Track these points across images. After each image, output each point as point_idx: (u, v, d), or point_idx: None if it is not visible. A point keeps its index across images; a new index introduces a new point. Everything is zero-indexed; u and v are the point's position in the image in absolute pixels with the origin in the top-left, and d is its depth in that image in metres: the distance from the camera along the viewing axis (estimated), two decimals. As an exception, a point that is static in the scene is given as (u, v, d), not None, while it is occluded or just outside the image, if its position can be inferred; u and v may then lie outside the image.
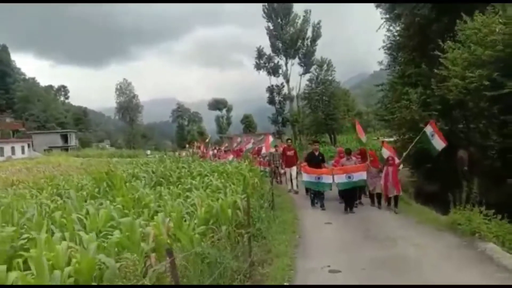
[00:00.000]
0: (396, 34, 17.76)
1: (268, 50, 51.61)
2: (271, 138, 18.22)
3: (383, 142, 13.36)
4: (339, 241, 7.89)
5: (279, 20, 49.82)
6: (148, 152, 48.06)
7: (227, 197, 7.85)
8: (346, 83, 57.34)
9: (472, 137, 12.02)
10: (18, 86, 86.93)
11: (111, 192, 8.54)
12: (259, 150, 20.18)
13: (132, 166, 18.26)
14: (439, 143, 9.98)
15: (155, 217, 5.62)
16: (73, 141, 75.18)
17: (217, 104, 78.27)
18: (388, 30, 18.70)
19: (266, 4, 49.98)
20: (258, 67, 51.86)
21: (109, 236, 4.75)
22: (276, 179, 16.13)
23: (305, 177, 11.30)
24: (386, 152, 11.28)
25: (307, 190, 12.35)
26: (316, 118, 45.33)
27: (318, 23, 50.70)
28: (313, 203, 11.48)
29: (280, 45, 50.11)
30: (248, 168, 13.02)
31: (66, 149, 68.04)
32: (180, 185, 10.04)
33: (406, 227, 8.70)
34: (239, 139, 24.52)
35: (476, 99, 9.71)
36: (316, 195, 11.43)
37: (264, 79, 53.73)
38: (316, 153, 12.00)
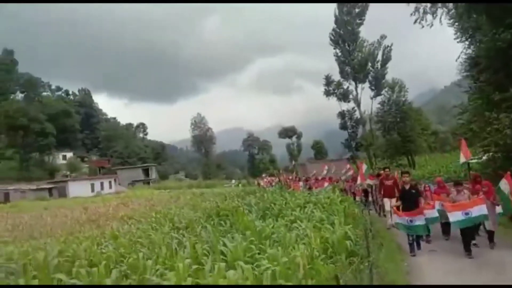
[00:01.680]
0: (475, 56, 17.68)
1: (335, 77, 52.59)
2: (364, 167, 17.26)
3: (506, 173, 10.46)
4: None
5: (347, 46, 50.63)
6: (233, 181, 50.14)
7: (336, 228, 8.65)
8: (416, 100, 55.87)
9: None
10: (101, 126, 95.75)
11: (234, 226, 9.70)
12: (354, 178, 19.30)
13: (223, 198, 19.60)
14: None
15: (296, 248, 6.57)
16: (153, 174, 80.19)
17: (287, 132, 79.67)
18: (465, 53, 18.75)
19: (333, 31, 51.23)
20: (327, 93, 52.74)
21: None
22: (377, 211, 15.75)
23: (396, 218, 10.03)
24: (505, 186, 9.63)
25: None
26: (392, 141, 44.60)
27: (389, 46, 50.74)
28: (411, 250, 9.45)
29: (349, 70, 50.72)
30: (340, 198, 13.73)
31: (148, 182, 72.87)
32: (283, 217, 10.96)
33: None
34: (326, 167, 24.60)
35: None
36: (414, 240, 9.58)
37: (328, 103, 54.40)
38: (407, 187, 9.95)
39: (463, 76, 19.67)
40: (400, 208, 9.93)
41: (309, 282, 5.16)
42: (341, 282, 4.54)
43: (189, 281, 4.70)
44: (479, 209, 8.65)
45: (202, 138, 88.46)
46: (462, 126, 20.25)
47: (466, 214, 8.67)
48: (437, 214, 10.28)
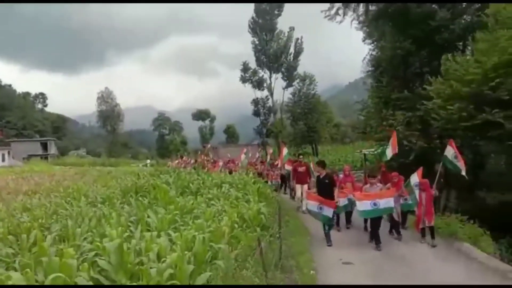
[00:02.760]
0: (378, 59, 19.74)
1: (252, 64, 53.90)
2: (285, 151, 17.04)
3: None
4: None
5: (264, 35, 52.06)
6: (148, 161, 48.56)
7: (251, 205, 9.48)
8: (322, 94, 59.85)
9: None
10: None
11: (155, 201, 9.99)
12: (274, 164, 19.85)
13: (136, 176, 19.41)
14: (461, 166, 9.66)
15: (216, 221, 7.20)
16: (52, 149, 74.63)
17: (200, 114, 79.39)
18: (370, 54, 20.89)
19: (251, 19, 52.24)
20: (243, 80, 53.88)
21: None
22: (291, 194, 16.41)
23: (308, 204, 10.04)
24: (414, 178, 9.63)
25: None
26: (299, 130, 47.54)
27: (300, 39, 53.26)
28: (328, 241, 9.38)
29: (265, 59, 52.32)
30: (252, 180, 14.66)
31: (46, 157, 67.64)
32: (201, 195, 11.51)
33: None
34: (245, 150, 24.65)
35: (455, 126, 11.61)
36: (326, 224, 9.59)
37: (241, 89, 55.72)
38: (322, 176, 9.92)
39: (366, 75, 21.94)
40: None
41: (234, 246, 5.86)
42: (262, 246, 5.26)
43: (126, 247, 5.00)
44: (387, 202, 8.88)
45: (109, 114, 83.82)
46: (362, 121, 22.59)
47: (374, 205, 8.87)
48: (347, 202, 10.58)
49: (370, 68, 20.64)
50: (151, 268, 4.46)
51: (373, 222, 9.21)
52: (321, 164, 10.42)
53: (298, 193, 13.86)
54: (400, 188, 9.87)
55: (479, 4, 14.09)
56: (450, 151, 9.90)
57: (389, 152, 11.26)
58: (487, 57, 10.89)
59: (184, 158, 32.57)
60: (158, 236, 6.19)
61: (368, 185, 9.78)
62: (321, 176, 9.94)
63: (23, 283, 4.04)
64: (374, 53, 20.60)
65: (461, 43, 14.34)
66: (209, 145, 41.79)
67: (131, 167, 43.66)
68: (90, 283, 4.33)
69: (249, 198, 10.69)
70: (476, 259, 7.91)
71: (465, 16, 14.68)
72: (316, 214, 9.54)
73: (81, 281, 4.27)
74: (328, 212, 9.24)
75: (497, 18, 11.73)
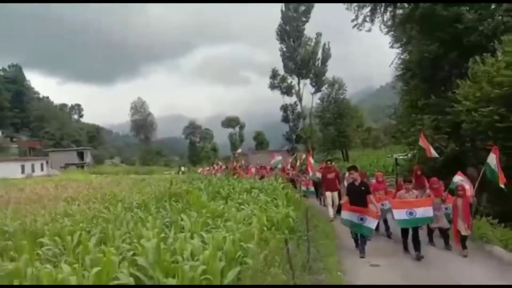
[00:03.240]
0: (406, 63, 19.66)
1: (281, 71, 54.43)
2: (311, 159, 17.06)
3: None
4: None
5: (292, 42, 52.53)
6: (183, 168, 49.45)
7: (280, 209, 9.78)
8: (353, 98, 59.37)
9: (479, 157, 12.52)
10: (33, 105, 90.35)
11: (188, 206, 10.47)
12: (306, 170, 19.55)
13: (168, 183, 20.09)
14: (501, 178, 9.30)
15: (246, 224, 7.55)
16: (88, 158, 77.28)
17: (230, 122, 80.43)
18: (399, 58, 20.82)
19: (279, 26, 52.87)
20: (272, 86, 54.51)
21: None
22: (321, 201, 16.50)
23: (344, 214, 9.19)
24: (458, 180, 9.27)
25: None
26: (329, 135, 47.35)
27: (327, 44, 53.38)
28: (357, 244, 9.03)
29: (293, 66, 52.73)
30: (281, 186, 14.96)
31: (82, 166, 70.16)
32: (231, 199, 11.91)
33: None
34: (278, 155, 24.70)
35: (486, 129, 11.50)
36: (358, 237, 8.98)
37: (271, 96, 56.22)
38: (356, 183, 9.02)
39: (396, 79, 21.82)
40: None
41: (263, 248, 6.17)
42: (289, 247, 5.55)
43: (162, 247, 5.43)
44: (425, 211, 8.35)
45: (142, 123, 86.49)
46: (393, 125, 22.44)
47: (410, 214, 8.29)
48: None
49: (399, 72, 20.55)
50: (185, 265, 4.83)
51: (404, 231, 8.72)
52: (355, 169, 9.63)
53: (329, 200, 13.30)
54: (440, 194, 9.20)
55: (508, 4, 13.87)
56: (493, 160, 9.28)
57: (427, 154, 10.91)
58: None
59: (214, 165, 33.19)
60: (191, 237, 6.58)
61: (403, 191, 9.13)
62: (356, 183, 8.99)
63: (73, 276, 4.48)
64: (402, 56, 20.53)
65: (491, 45, 14.08)
66: (239, 150, 42.24)
67: (164, 175, 44.85)
68: (131, 279, 4.74)
69: (278, 202, 10.99)
70: (508, 261, 7.91)
71: (494, 18, 14.45)
72: (355, 226, 8.79)
73: (122, 276, 4.70)
74: (372, 223, 8.59)
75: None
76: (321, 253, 8.64)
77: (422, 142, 11.79)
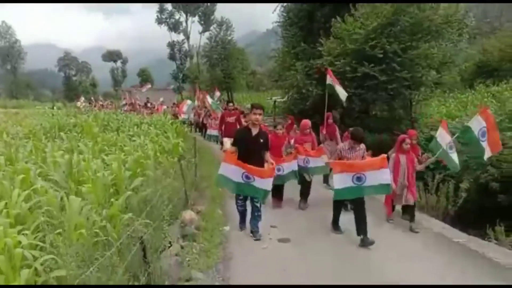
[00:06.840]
0: (287, 11, 21.36)
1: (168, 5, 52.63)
2: (210, 99, 18.24)
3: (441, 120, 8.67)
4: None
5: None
6: (82, 99, 45.11)
7: (170, 140, 10.98)
8: (240, 41, 60.74)
9: (340, 101, 13.00)
10: None
11: (82, 136, 10.96)
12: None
13: (50, 117, 19.49)
14: (342, 91, 10.04)
15: (145, 149, 8.62)
16: None
17: (111, 55, 75.86)
18: (282, 5, 22.45)
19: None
20: (159, 21, 52.65)
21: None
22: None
23: (223, 168, 6.16)
24: (443, 135, 6.91)
25: None
26: (215, 76, 48.40)
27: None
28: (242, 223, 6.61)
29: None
30: (170, 121, 16.03)
31: None
32: (122, 132, 12.64)
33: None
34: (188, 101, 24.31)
35: (342, 78, 13.87)
36: (240, 206, 6.47)
37: (156, 30, 54.67)
38: (254, 131, 6.12)
39: (278, 24, 23.52)
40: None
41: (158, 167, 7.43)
42: (182, 164, 6.92)
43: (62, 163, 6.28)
44: (380, 173, 5.92)
45: (8, 51, 76.26)
46: (275, 69, 24.49)
47: (359, 179, 5.91)
48: (296, 168, 7.78)
49: (281, 19, 22.21)
50: (98, 174, 5.84)
51: (339, 203, 6.57)
52: (260, 109, 6.20)
53: (227, 146, 8.61)
54: (417, 151, 7.40)
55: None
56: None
57: (342, 93, 10.29)
58: (370, 21, 13.20)
59: (102, 102, 32.08)
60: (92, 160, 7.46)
61: (345, 144, 6.61)
62: (253, 130, 6.13)
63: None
64: (285, 5, 22.14)
65: (356, 5, 16.37)
66: (149, 86, 40.12)
67: (37, 109, 41.36)
68: (48, 183, 5.58)
69: (168, 135, 12.13)
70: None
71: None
72: (239, 186, 6.07)
73: (38, 182, 5.46)
74: (265, 183, 5.97)
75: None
76: (205, 176, 10.19)
77: (331, 77, 10.50)
